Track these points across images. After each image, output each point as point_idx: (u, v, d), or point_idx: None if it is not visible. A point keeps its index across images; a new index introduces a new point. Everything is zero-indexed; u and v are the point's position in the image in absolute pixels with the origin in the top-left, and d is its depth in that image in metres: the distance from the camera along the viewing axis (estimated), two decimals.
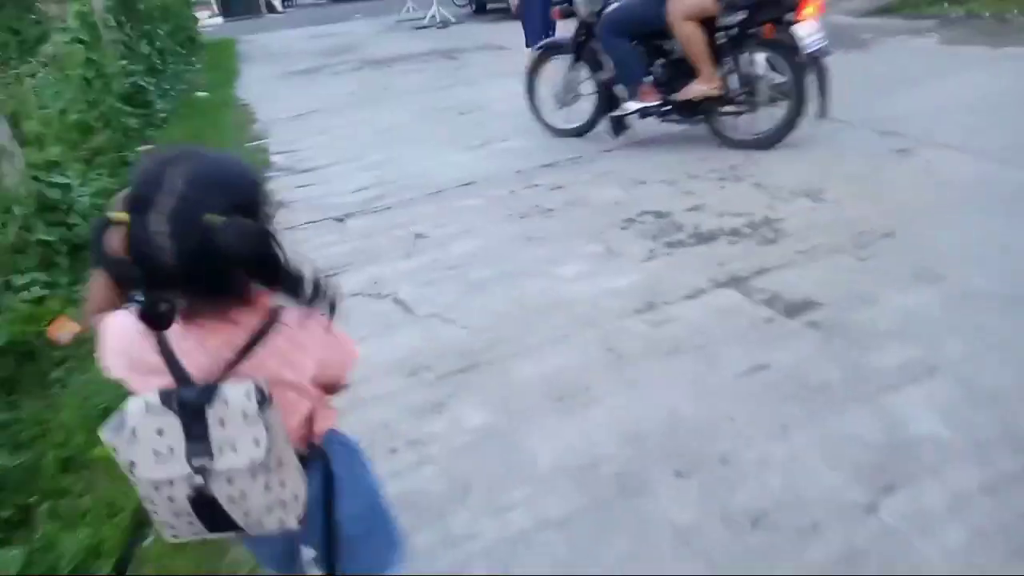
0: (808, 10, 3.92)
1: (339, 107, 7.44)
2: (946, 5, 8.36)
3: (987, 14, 7.83)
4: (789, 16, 3.96)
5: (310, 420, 1.21)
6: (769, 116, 4.35)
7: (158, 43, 9.21)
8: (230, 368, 1.05)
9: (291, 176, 5.25)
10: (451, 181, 4.68)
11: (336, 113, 7.17)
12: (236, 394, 1.02)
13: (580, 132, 5.18)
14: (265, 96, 8.41)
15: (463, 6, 16.22)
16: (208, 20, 26.71)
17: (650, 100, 4.53)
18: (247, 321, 1.08)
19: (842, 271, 2.98)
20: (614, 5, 4.46)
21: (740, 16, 4.07)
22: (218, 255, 0.97)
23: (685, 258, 3.25)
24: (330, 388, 1.24)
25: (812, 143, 4.47)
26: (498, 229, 3.85)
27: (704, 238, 3.41)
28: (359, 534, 1.30)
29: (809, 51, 3.94)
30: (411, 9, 14.86)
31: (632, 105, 4.61)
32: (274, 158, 5.76)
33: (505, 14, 13.64)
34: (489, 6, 15.15)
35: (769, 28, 4.04)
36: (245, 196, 1.05)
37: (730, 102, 4.34)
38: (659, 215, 3.73)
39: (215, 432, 1.02)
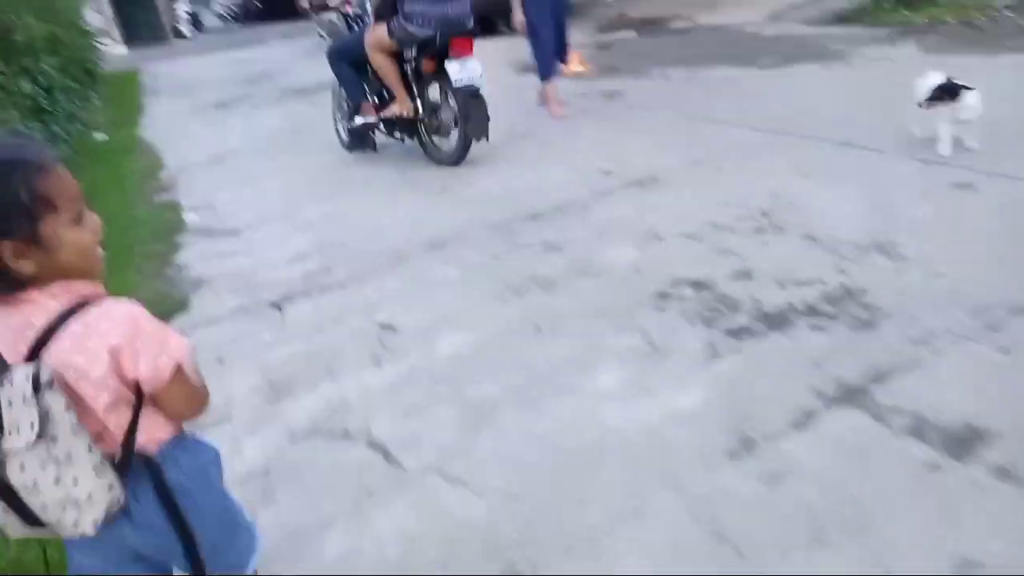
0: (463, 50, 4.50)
1: (263, 147, 6.36)
2: (906, 13, 7.91)
3: (952, 20, 7.38)
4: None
5: (132, 425, 1.13)
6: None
7: (44, 80, 7.90)
8: (34, 350, 1.05)
9: (210, 241, 4.17)
10: (413, 242, 3.71)
11: (260, 155, 6.09)
12: (19, 376, 1.01)
13: (349, 147, 5.45)
14: (175, 136, 7.24)
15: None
16: (110, 49, 24.82)
17: (370, 117, 5.00)
18: (47, 303, 1.07)
19: (989, 372, 2.16)
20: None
21: (414, 52, 4.60)
22: None
23: (763, 355, 2.38)
24: (148, 389, 1.12)
25: (850, 178, 3.70)
26: (491, 314, 2.90)
27: (775, 321, 2.55)
28: (215, 538, 1.23)
29: (454, 86, 4.44)
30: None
31: (358, 120, 5.05)
32: (188, 217, 4.66)
33: None
34: None
35: (428, 63, 4.60)
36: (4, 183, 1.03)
37: (423, 124, 4.87)
38: (699, 286, 2.87)
39: (6, 412, 1.02)
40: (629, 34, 9.70)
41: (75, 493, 1.04)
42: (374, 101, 5.03)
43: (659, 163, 4.30)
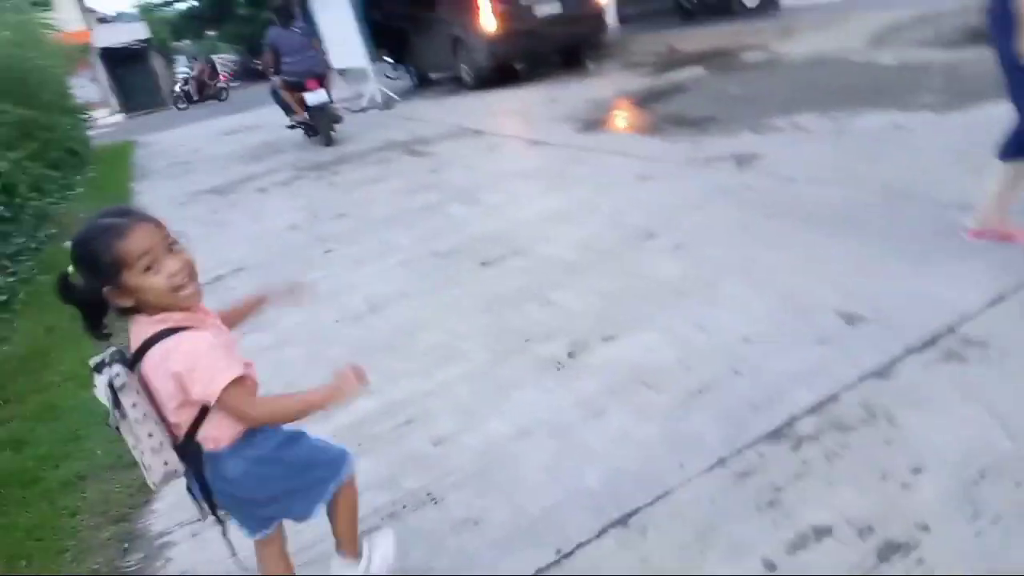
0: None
1: (276, 258, 4.59)
2: None
3: None
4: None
5: (195, 424, 1.43)
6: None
7: (4, 178, 6.21)
8: (136, 357, 1.39)
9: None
10: (579, 529, 1.91)
11: (273, 270, 4.32)
12: (103, 378, 1.37)
13: (306, 135, 8.83)
14: None
15: (396, 78, 13.50)
16: (109, 118, 23.25)
17: (291, 119, 8.67)
18: (147, 327, 1.38)
19: None
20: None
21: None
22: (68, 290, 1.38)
23: None
24: (206, 404, 1.40)
25: None
26: None
27: None
28: (286, 491, 1.56)
29: (308, 104, 8.00)
30: (343, 86, 12.01)
31: (288, 121, 8.78)
32: None
33: (455, 85, 10.99)
34: (434, 75, 12.51)
35: (296, 96, 8.17)
36: (79, 254, 1.37)
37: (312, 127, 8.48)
38: None
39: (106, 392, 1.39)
40: (696, 71, 7.94)
41: (143, 460, 1.42)
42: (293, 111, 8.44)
43: (936, 295, 2.49)
